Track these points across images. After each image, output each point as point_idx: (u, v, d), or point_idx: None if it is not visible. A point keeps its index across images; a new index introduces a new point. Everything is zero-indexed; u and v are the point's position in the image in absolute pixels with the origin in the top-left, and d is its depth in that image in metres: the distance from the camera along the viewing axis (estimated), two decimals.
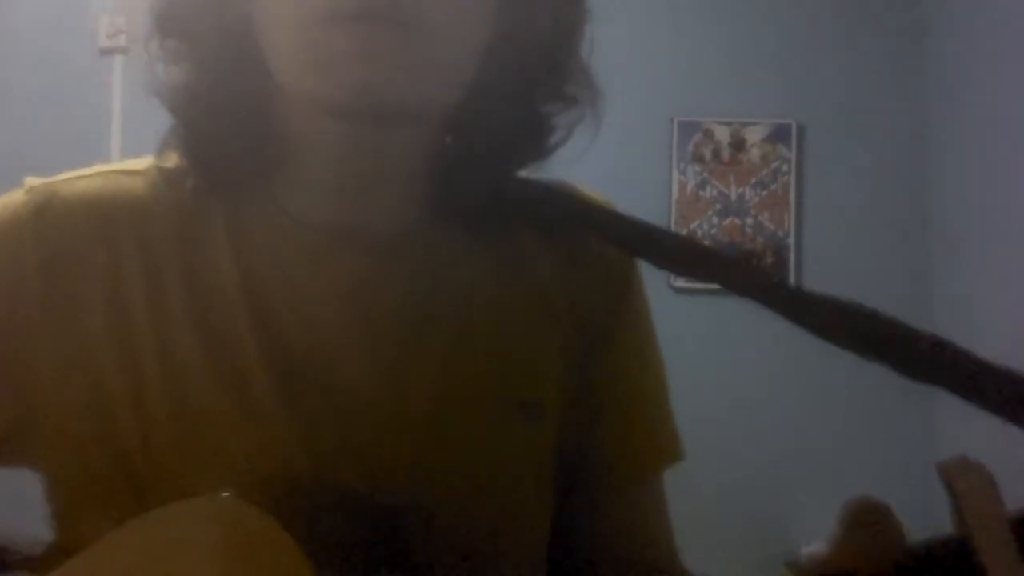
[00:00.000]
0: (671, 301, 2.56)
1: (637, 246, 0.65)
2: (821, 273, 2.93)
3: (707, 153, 2.97)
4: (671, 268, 0.62)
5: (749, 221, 2.96)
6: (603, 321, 0.69)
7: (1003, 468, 0.51)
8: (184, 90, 0.61)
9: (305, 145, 0.62)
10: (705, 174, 2.97)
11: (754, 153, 2.97)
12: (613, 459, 0.70)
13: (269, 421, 0.59)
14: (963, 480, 0.40)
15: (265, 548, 0.50)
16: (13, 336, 0.60)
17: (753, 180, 2.96)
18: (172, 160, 0.64)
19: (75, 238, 0.61)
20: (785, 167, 2.96)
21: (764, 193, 2.96)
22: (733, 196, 2.96)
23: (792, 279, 2.93)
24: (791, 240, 2.95)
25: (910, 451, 2.79)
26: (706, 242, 2.95)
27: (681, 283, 2.62)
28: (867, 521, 0.44)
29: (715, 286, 0.61)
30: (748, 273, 0.58)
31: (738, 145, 2.97)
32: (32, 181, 0.63)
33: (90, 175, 0.64)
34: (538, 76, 0.65)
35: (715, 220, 2.96)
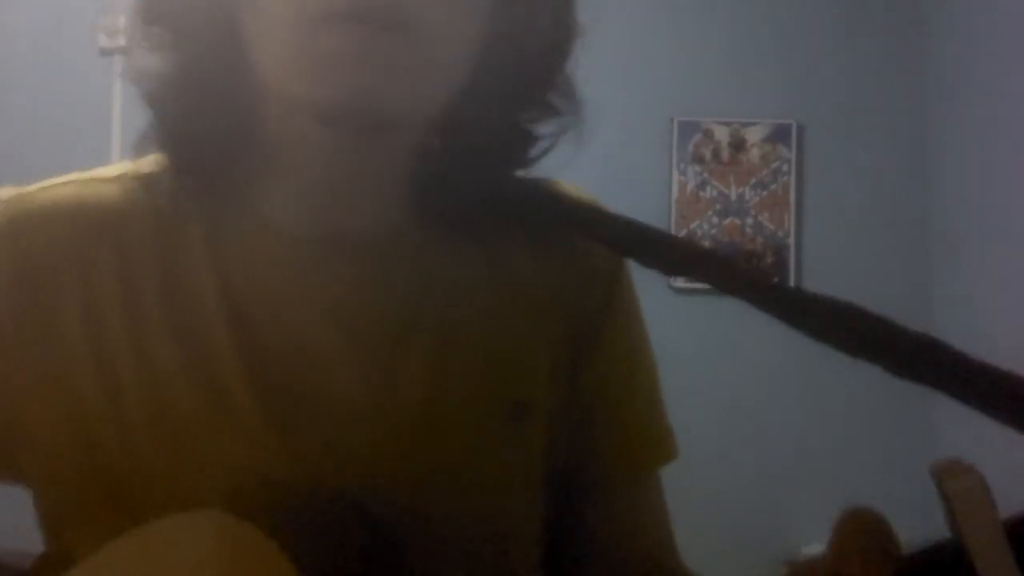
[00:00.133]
0: (670, 301, 2.56)
1: (626, 245, 0.64)
2: (821, 273, 2.93)
3: (707, 153, 2.97)
4: (662, 268, 0.61)
5: (749, 221, 2.96)
6: (592, 321, 0.69)
7: (1003, 469, 0.51)
8: (164, 81, 0.60)
9: (289, 149, 0.61)
10: (705, 174, 2.97)
11: (754, 153, 2.97)
12: (608, 459, 0.69)
13: (252, 432, 0.58)
14: (955, 482, 0.40)
15: (255, 562, 0.50)
16: None
17: (753, 180, 2.96)
18: (148, 165, 0.63)
19: (49, 248, 0.59)
20: (785, 167, 2.96)
21: (764, 193, 2.96)
22: (733, 196, 2.96)
23: (792, 279, 2.93)
24: (791, 240, 2.95)
25: (909, 452, 2.79)
26: (706, 242, 2.95)
27: (680, 283, 2.62)
28: (860, 530, 0.44)
29: None
30: (741, 273, 0.58)
31: (738, 145, 2.97)
32: (5, 191, 0.62)
33: (63, 183, 0.63)
34: (526, 85, 0.64)
35: (715, 220, 2.96)
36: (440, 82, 0.58)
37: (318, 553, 0.55)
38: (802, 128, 2.97)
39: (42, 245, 0.60)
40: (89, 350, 0.58)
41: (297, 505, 0.57)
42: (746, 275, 0.57)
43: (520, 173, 0.67)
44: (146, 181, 0.62)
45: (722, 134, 2.97)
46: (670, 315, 2.72)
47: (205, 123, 0.60)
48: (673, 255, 0.61)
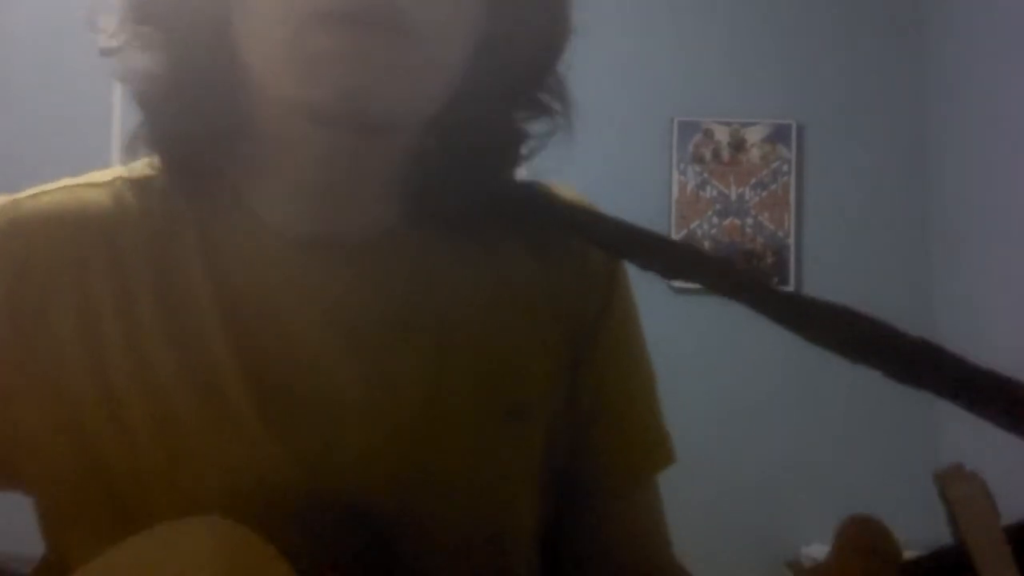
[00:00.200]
0: (670, 301, 2.55)
1: (624, 247, 0.64)
2: (821, 273, 2.93)
3: (707, 153, 2.97)
4: (660, 270, 0.60)
5: (749, 221, 2.96)
6: (591, 323, 0.68)
7: (1004, 469, 0.51)
8: (155, 81, 0.59)
9: (283, 149, 0.60)
10: (705, 174, 2.97)
11: (754, 153, 2.97)
12: (605, 463, 0.69)
13: (250, 433, 0.57)
14: (957, 488, 0.40)
15: (255, 566, 0.49)
16: None
17: (753, 180, 2.96)
18: (140, 169, 0.63)
19: (43, 254, 0.59)
20: (785, 167, 2.96)
21: (764, 193, 2.96)
22: (733, 196, 2.96)
23: (792, 279, 2.93)
24: (791, 240, 2.95)
25: (910, 452, 2.79)
26: (706, 242, 2.95)
27: (680, 283, 2.62)
28: (862, 536, 0.44)
29: None
30: (740, 278, 0.57)
31: (738, 145, 2.97)
32: None
33: (54, 190, 0.62)
34: (520, 83, 0.64)
35: (715, 220, 2.96)
36: (435, 82, 0.58)
37: (316, 555, 0.55)
38: (802, 128, 2.97)
39: (35, 251, 0.59)
40: (85, 355, 0.58)
41: (295, 507, 0.57)
42: (746, 280, 0.56)
43: (512, 171, 0.67)
44: (139, 185, 0.62)
45: (722, 134, 2.97)
46: (670, 315, 2.72)
47: (197, 123, 0.60)
48: (672, 258, 0.61)
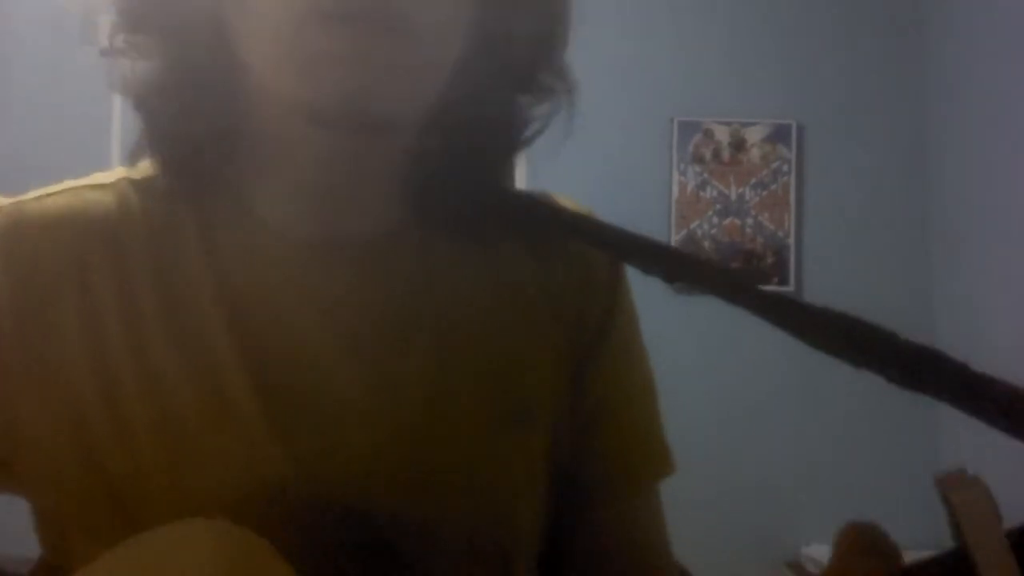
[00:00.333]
0: (671, 302, 2.55)
1: (625, 251, 0.64)
2: (821, 273, 2.93)
3: (707, 153, 2.97)
4: (663, 275, 0.60)
5: (749, 221, 2.96)
6: (594, 329, 0.68)
7: (1004, 470, 0.51)
8: (152, 87, 0.59)
9: (283, 150, 0.60)
10: (705, 174, 2.97)
11: (754, 153, 2.96)
12: (607, 471, 0.69)
13: (252, 434, 0.57)
14: (960, 493, 0.40)
15: (256, 568, 0.49)
16: None
17: (753, 180, 2.96)
18: (143, 170, 0.63)
19: (46, 257, 0.59)
20: (785, 167, 2.96)
21: (764, 193, 2.96)
22: (733, 196, 2.96)
23: (792, 279, 2.93)
24: (791, 240, 2.94)
25: (910, 452, 2.79)
26: (705, 242, 2.95)
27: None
28: (862, 543, 0.44)
29: None
30: (740, 282, 0.57)
31: (738, 145, 2.96)
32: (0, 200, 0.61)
33: (57, 192, 0.62)
34: (518, 70, 0.63)
35: (715, 220, 2.96)
36: (433, 82, 0.58)
37: (317, 556, 0.55)
38: (802, 128, 2.97)
39: (39, 254, 0.59)
40: (88, 357, 0.58)
41: (296, 507, 0.56)
42: (748, 286, 0.56)
43: (514, 157, 0.67)
44: (142, 186, 0.62)
45: (722, 134, 2.97)
46: (670, 315, 2.72)
47: (197, 126, 0.59)
48: (674, 264, 0.61)
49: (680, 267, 0.61)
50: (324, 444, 0.59)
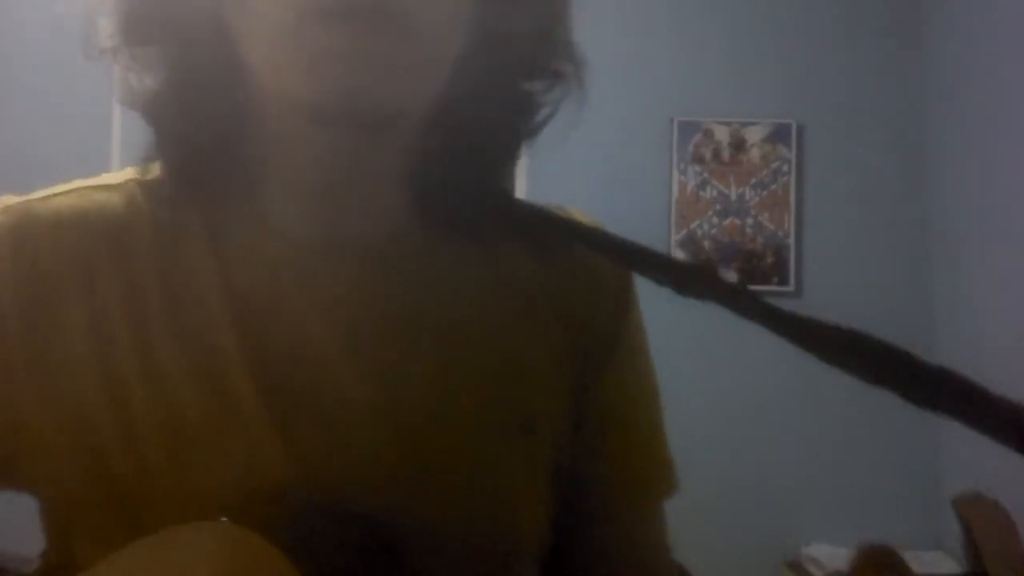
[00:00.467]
0: (671, 301, 2.55)
1: (635, 262, 0.64)
2: (821, 273, 2.93)
3: (707, 153, 2.97)
4: (673, 285, 0.60)
5: (749, 221, 2.96)
6: (603, 340, 0.68)
7: (1004, 470, 0.51)
8: (157, 97, 0.59)
9: (287, 151, 0.60)
10: (705, 174, 2.97)
11: (754, 153, 2.97)
12: (610, 488, 0.69)
13: (259, 438, 0.57)
14: (978, 516, 0.40)
15: (262, 572, 0.49)
16: None
17: (753, 180, 2.96)
18: (152, 172, 0.63)
19: (53, 257, 0.59)
20: (785, 167, 2.96)
21: (764, 193, 2.96)
22: (733, 196, 2.96)
23: (792, 279, 2.93)
24: (791, 240, 2.94)
25: (911, 453, 2.79)
26: (706, 242, 2.95)
27: None
28: (875, 566, 0.44)
29: None
30: (756, 301, 0.57)
31: (738, 145, 2.97)
32: (6, 200, 0.61)
33: (65, 192, 0.62)
34: (522, 58, 0.63)
35: (715, 220, 2.96)
36: (433, 77, 0.58)
37: (319, 558, 0.55)
38: (802, 128, 2.97)
39: (46, 253, 0.59)
40: (93, 356, 0.58)
41: (299, 509, 0.56)
42: (761, 303, 0.56)
43: (519, 150, 0.66)
44: (149, 187, 0.62)
45: (722, 134, 2.97)
46: (671, 315, 2.71)
47: (203, 131, 0.59)
48: (686, 277, 0.60)
49: (693, 281, 0.60)
50: (327, 445, 0.58)
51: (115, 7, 0.60)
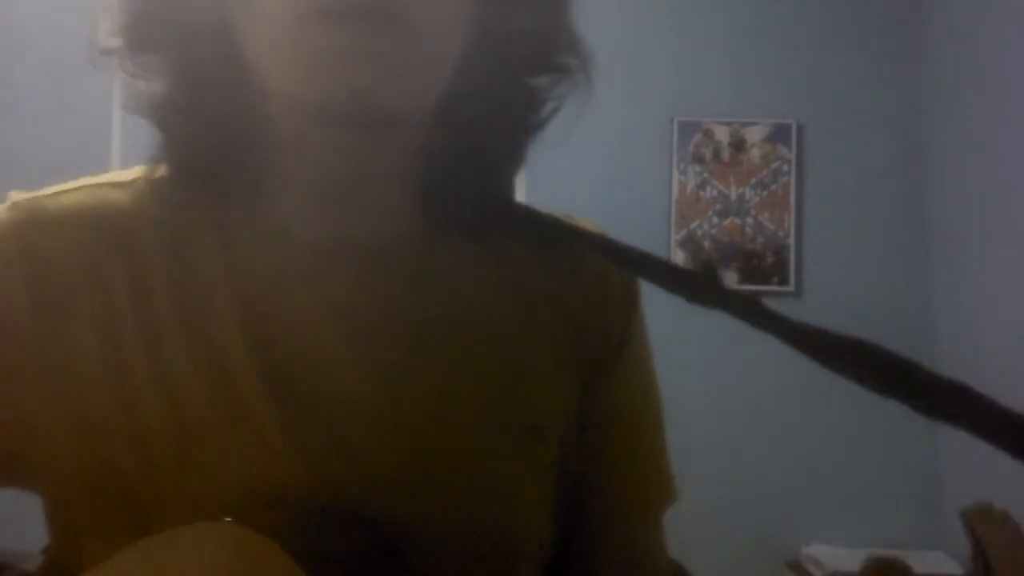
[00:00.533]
0: (672, 301, 2.55)
1: (645, 270, 0.64)
2: (821, 273, 2.93)
3: (707, 153, 2.97)
4: (683, 294, 0.60)
5: (749, 221, 2.96)
6: (610, 346, 0.68)
7: (1003, 470, 0.51)
8: (163, 101, 0.60)
9: (291, 150, 0.60)
10: (705, 174, 2.97)
11: (754, 153, 2.97)
12: (611, 497, 0.69)
13: (264, 438, 0.57)
14: (988, 528, 0.40)
15: (267, 573, 0.49)
16: (1, 357, 0.58)
17: (753, 180, 2.96)
18: (160, 170, 0.63)
19: (61, 255, 0.59)
20: (785, 167, 2.96)
21: (764, 193, 2.96)
22: (733, 196, 2.96)
23: (792, 279, 2.93)
24: (791, 240, 2.95)
25: (911, 452, 2.79)
26: (706, 242, 2.95)
27: None
28: (887, 569, 0.44)
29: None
30: (764, 309, 0.57)
31: (738, 145, 2.97)
32: (16, 196, 0.61)
33: (75, 188, 0.62)
34: (526, 54, 0.63)
35: (715, 220, 2.96)
36: (435, 75, 0.58)
37: (323, 559, 0.55)
38: (802, 128, 2.97)
39: (55, 250, 0.59)
40: (102, 355, 0.58)
41: (304, 510, 0.56)
42: (772, 314, 0.56)
43: (526, 147, 0.66)
44: (157, 186, 0.62)
45: (722, 134, 2.97)
46: (671, 314, 2.71)
47: (211, 137, 0.60)
48: (696, 286, 0.60)
49: (703, 290, 0.60)
50: (331, 446, 0.58)
51: (119, 16, 0.60)
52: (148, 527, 0.52)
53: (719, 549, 2.61)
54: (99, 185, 0.63)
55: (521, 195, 0.70)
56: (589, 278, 0.69)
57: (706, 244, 2.95)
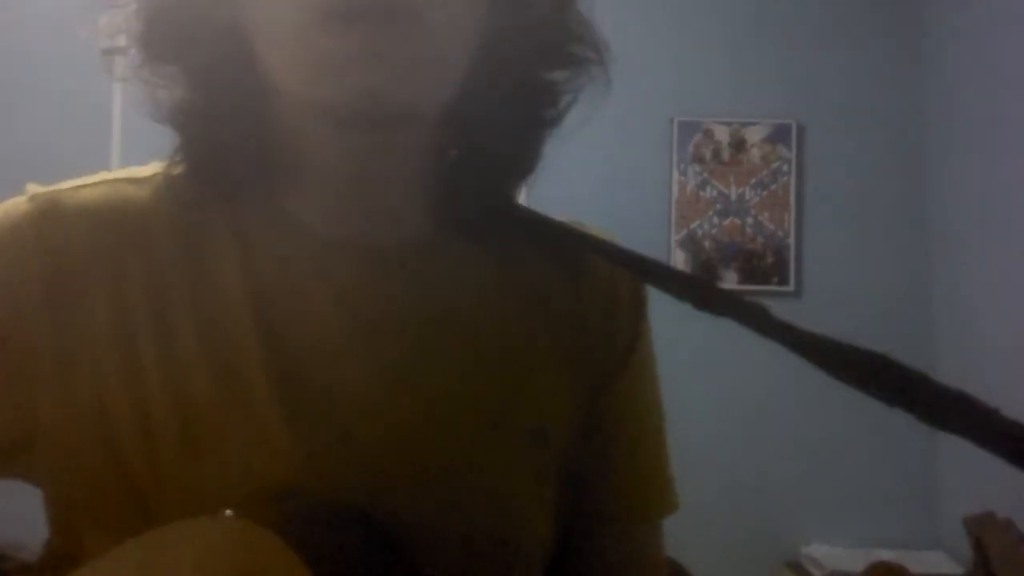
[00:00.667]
0: (672, 300, 2.55)
1: (652, 279, 0.64)
2: (821, 273, 2.93)
3: (707, 153, 2.97)
4: (692, 300, 0.60)
5: (749, 221, 2.96)
6: (617, 353, 0.68)
7: (1004, 473, 0.52)
8: (182, 107, 0.60)
9: (305, 150, 0.61)
10: (705, 174, 2.97)
11: (754, 153, 2.97)
12: (611, 504, 0.69)
13: (270, 433, 0.58)
14: (991, 535, 0.40)
15: (270, 568, 0.49)
16: (15, 347, 0.58)
17: (753, 180, 2.96)
18: (178, 167, 0.63)
19: (78, 248, 0.59)
20: (785, 167, 2.96)
21: (764, 193, 2.96)
22: (733, 196, 2.97)
23: (792, 279, 2.93)
24: (791, 240, 2.95)
25: (911, 453, 2.79)
26: (706, 242, 2.95)
27: None
28: (888, 571, 0.44)
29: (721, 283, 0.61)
30: (768, 317, 0.57)
31: (738, 145, 2.97)
32: (34, 188, 0.62)
33: (93, 183, 0.63)
34: (540, 47, 0.63)
35: (715, 220, 2.96)
36: (447, 75, 0.58)
37: (324, 553, 0.55)
38: (802, 128, 2.97)
39: (72, 244, 0.59)
40: (114, 348, 0.58)
41: (307, 504, 0.57)
42: (778, 322, 0.56)
43: (549, 133, 0.66)
44: (174, 183, 0.63)
45: (722, 134, 2.97)
46: (671, 314, 2.71)
47: (228, 137, 0.60)
48: (703, 293, 0.60)
49: (711, 297, 0.60)
50: (335, 441, 0.59)
51: (135, 26, 0.60)
52: (151, 520, 0.52)
53: (719, 549, 2.61)
54: (116, 180, 0.63)
55: (521, 196, 0.70)
56: (597, 283, 0.69)
57: (706, 244, 2.95)
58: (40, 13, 2.70)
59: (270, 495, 0.56)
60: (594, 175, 2.84)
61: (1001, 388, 0.50)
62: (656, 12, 2.97)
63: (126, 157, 2.55)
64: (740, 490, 2.84)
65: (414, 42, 0.54)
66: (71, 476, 0.59)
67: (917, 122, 2.95)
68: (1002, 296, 2.53)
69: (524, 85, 0.64)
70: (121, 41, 0.62)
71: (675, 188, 2.96)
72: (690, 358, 2.73)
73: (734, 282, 2.92)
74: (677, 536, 0.74)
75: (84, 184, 0.63)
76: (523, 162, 0.67)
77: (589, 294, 0.68)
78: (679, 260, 2.92)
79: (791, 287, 2.92)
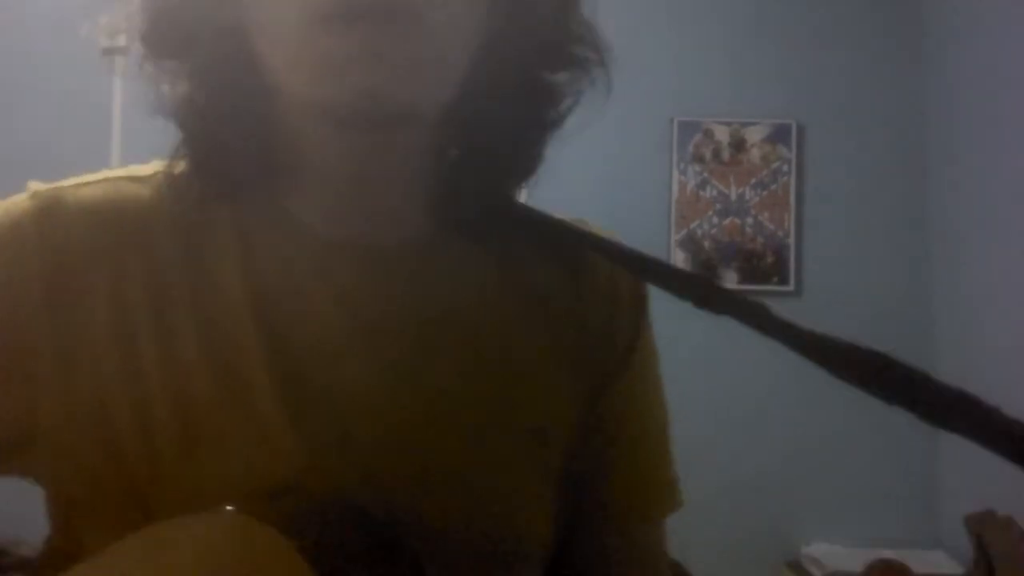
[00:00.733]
0: (672, 299, 2.56)
1: (652, 277, 0.64)
2: (821, 273, 2.93)
3: (707, 153, 2.97)
4: (693, 299, 0.61)
5: (749, 221, 2.96)
6: (618, 347, 0.68)
7: (1003, 473, 0.52)
8: (185, 104, 0.61)
9: (307, 149, 0.61)
10: (705, 174, 2.97)
11: (754, 153, 2.97)
12: (614, 503, 0.69)
13: (271, 430, 0.58)
14: (992, 534, 0.40)
15: (271, 563, 0.50)
16: (15, 344, 0.58)
17: (753, 180, 2.97)
18: (180, 165, 0.63)
19: (79, 246, 0.60)
20: (785, 167, 2.96)
21: (764, 193, 2.96)
22: (733, 196, 2.97)
23: (792, 279, 2.93)
24: (791, 240, 2.95)
25: (911, 452, 2.79)
26: (706, 242, 2.95)
27: None
28: (889, 570, 0.44)
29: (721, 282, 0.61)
30: (769, 316, 0.57)
31: (738, 145, 2.97)
32: (36, 186, 0.62)
33: (95, 181, 0.63)
34: (541, 48, 0.63)
35: (715, 220, 2.96)
36: (448, 75, 0.58)
37: (324, 551, 0.55)
38: (802, 128, 2.97)
39: (73, 241, 0.60)
40: (114, 346, 0.58)
41: (307, 502, 0.57)
42: (779, 321, 0.57)
43: (550, 135, 0.66)
44: (175, 182, 0.63)
45: (722, 134, 2.97)
46: (671, 314, 2.71)
47: (230, 136, 0.61)
48: (704, 292, 0.60)
49: (712, 296, 0.60)
50: (336, 440, 0.59)
51: (139, 23, 0.61)
52: (151, 519, 0.52)
53: (719, 549, 2.61)
54: (118, 179, 0.63)
55: (522, 195, 0.70)
56: (597, 282, 0.69)
57: (706, 244, 2.95)
58: (40, 13, 2.70)
59: (270, 492, 0.56)
60: (594, 175, 2.84)
61: (1001, 387, 0.50)
62: (656, 12, 2.97)
63: (126, 157, 2.55)
64: (740, 490, 2.84)
65: (414, 42, 0.54)
66: (71, 475, 0.59)
67: (917, 122, 2.95)
68: (1002, 296, 2.53)
69: (525, 85, 0.64)
70: (121, 41, 0.62)
71: (675, 188, 2.96)
72: (690, 357, 2.73)
73: (734, 282, 2.92)
74: (677, 536, 0.74)
75: (85, 182, 0.63)
76: (523, 162, 0.67)
77: (589, 293, 0.68)
78: (679, 260, 2.92)
79: (791, 287, 2.92)
